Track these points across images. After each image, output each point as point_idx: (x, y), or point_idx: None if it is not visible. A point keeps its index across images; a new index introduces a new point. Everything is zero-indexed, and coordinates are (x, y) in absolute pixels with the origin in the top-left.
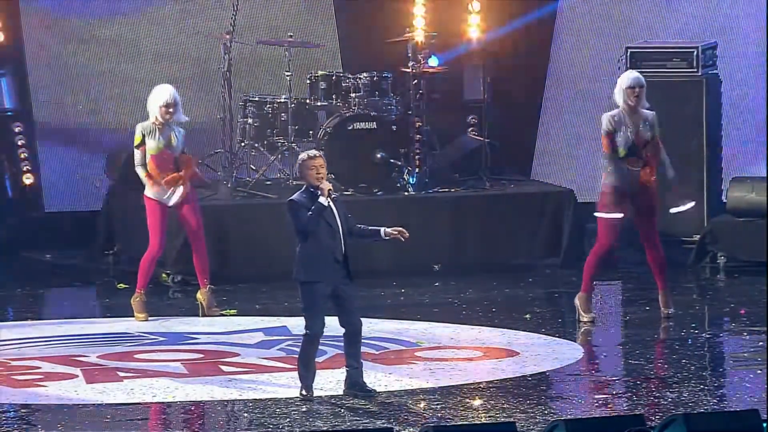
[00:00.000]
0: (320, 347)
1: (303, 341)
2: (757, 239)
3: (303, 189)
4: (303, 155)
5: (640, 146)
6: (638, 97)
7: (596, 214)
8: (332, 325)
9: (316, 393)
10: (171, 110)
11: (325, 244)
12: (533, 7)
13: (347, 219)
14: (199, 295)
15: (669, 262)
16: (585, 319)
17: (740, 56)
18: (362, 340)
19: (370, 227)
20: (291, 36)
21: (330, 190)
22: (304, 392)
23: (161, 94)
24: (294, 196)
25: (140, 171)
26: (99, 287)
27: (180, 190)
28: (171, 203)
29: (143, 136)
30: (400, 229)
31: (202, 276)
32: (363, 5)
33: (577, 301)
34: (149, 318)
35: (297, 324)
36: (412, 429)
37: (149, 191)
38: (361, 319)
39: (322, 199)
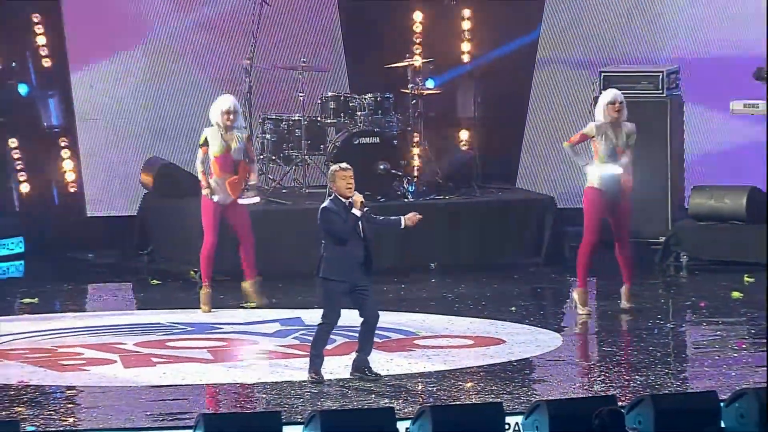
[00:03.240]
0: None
1: (319, 329)
2: (716, 241)
3: (333, 197)
4: (335, 167)
5: (620, 155)
6: (619, 111)
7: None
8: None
9: (326, 377)
10: (231, 117)
11: (349, 248)
12: (518, 34)
13: (369, 218)
14: (246, 285)
15: (638, 261)
16: (581, 312)
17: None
18: None
19: (391, 218)
20: (304, 61)
21: (362, 202)
22: (313, 374)
23: (223, 102)
24: (327, 204)
25: (198, 167)
26: (134, 283)
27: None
28: (227, 201)
29: (206, 138)
30: (414, 213)
31: (251, 268)
32: (368, 35)
33: (575, 295)
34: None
35: (310, 316)
36: (411, 408)
37: (208, 192)
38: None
39: (355, 211)
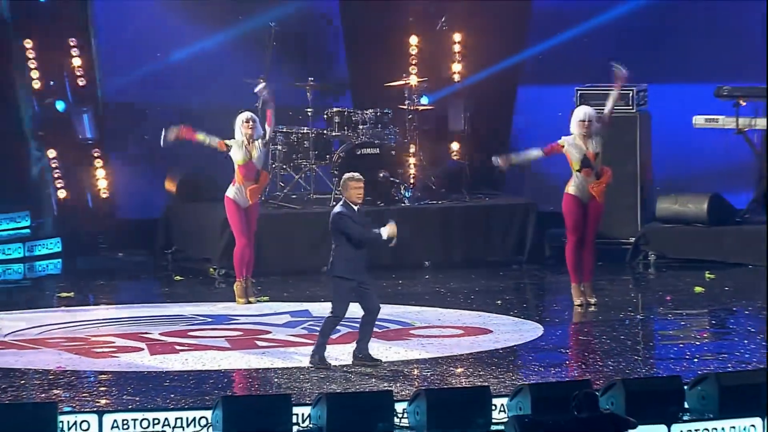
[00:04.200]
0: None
1: (327, 320)
2: (681, 241)
3: (343, 203)
4: (348, 175)
5: (591, 159)
6: (588, 127)
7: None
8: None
9: (332, 363)
10: (251, 124)
11: (358, 250)
12: (503, 57)
13: (367, 225)
14: (239, 283)
15: (611, 260)
16: (577, 303)
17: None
18: None
19: (374, 230)
20: (312, 80)
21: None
22: (317, 360)
23: (244, 114)
24: (340, 210)
25: (206, 138)
26: (159, 279)
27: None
28: (245, 205)
29: (229, 144)
30: (391, 224)
31: (243, 270)
32: (369, 56)
33: (571, 291)
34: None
35: (317, 308)
36: (407, 391)
37: (231, 193)
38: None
39: (384, 233)
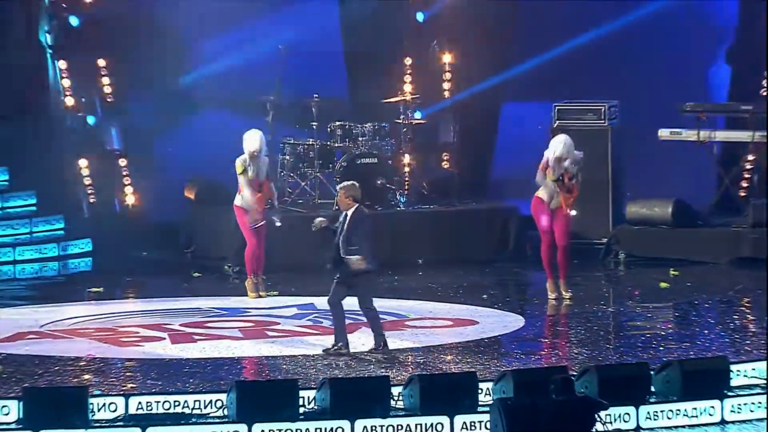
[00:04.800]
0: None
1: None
2: (648, 241)
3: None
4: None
5: (566, 179)
6: (563, 163)
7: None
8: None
9: (332, 351)
10: (259, 147)
11: None
12: (489, 75)
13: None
14: (250, 279)
15: (585, 258)
16: (551, 297)
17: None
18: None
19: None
20: (317, 96)
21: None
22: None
23: (253, 137)
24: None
25: (246, 192)
26: (180, 275)
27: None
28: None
29: (245, 167)
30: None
31: (254, 268)
32: (368, 75)
33: (547, 285)
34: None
35: (321, 302)
36: (402, 376)
37: (239, 201)
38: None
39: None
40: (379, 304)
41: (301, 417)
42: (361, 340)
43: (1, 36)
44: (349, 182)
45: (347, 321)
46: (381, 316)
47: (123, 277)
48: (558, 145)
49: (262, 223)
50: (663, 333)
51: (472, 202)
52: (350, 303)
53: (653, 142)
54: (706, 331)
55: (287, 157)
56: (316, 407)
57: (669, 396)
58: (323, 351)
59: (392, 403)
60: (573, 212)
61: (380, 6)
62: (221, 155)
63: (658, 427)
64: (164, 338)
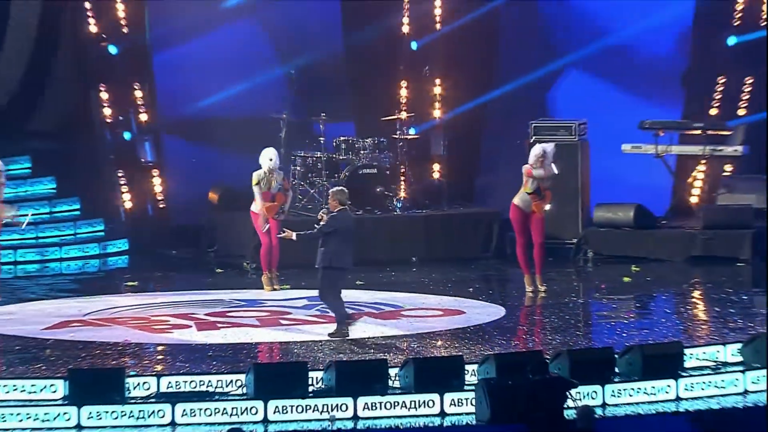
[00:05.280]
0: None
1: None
2: (613, 242)
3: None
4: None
5: (542, 189)
6: (542, 162)
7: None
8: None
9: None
10: (273, 165)
11: None
12: (474, 97)
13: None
14: (266, 274)
15: (558, 257)
16: (528, 290)
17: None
18: (369, 305)
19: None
20: (324, 114)
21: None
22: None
23: (268, 153)
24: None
25: (258, 201)
26: (204, 271)
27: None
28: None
29: (259, 180)
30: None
31: (269, 265)
32: (369, 96)
33: (524, 280)
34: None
35: None
36: (399, 359)
37: (254, 208)
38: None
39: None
40: (378, 296)
41: (310, 394)
42: (362, 328)
43: (51, 63)
44: (338, 188)
45: (348, 311)
46: (380, 307)
47: (155, 272)
48: (537, 148)
49: (267, 227)
50: (626, 321)
51: (460, 207)
52: (355, 295)
53: (617, 155)
54: (663, 320)
55: (298, 168)
56: (323, 386)
57: (631, 376)
58: (328, 335)
59: (390, 382)
60: (548, 207)
61: (379, 37)
62: (240, 166)
63: (621, 403)
64: (191, 326)
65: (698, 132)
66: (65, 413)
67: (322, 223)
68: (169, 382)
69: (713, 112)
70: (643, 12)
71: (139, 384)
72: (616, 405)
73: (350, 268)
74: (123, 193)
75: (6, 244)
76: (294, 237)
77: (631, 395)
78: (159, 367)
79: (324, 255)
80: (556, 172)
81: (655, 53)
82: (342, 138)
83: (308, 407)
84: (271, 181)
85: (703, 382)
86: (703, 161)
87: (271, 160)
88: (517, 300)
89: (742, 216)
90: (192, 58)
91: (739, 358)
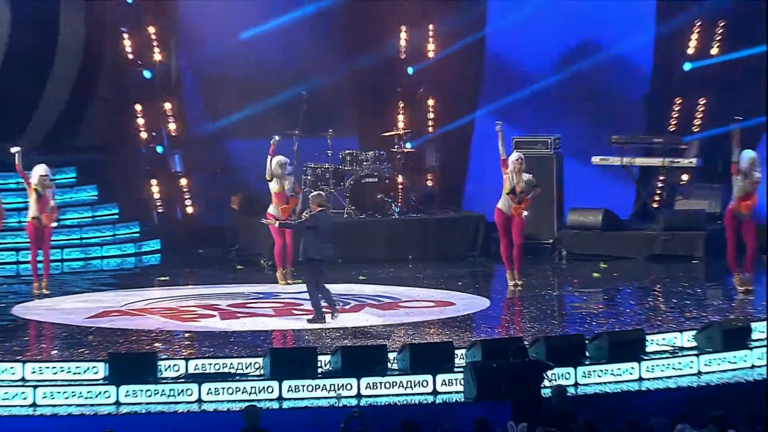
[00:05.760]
0: (345, 299)
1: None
2: (583, 241)
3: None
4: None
5: (518, 192)
6: (520, 165)
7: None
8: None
9: (345, 326)
10: (285, 168)
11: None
12: (462, 115)
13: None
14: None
15: (536, 255)
16: (510, 284)
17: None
18: (371, 297)
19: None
20: (331, 131)
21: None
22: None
23: (280, 159)
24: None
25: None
26: (227, 268)
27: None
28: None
29: (273, 179)
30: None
31: (288, 261)
32: (371, 115)
33: (506, 275)
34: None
35: (334, 288)
36: (397, 345)
37: (272, 210)
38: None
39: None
40: (378, 289)
41: (319, 375)
42: (365, 317)
43: (93, 85)
44: (316, 192)
45: (351, 303)
46: (381, 299)
47: (183, 269)
48: (515, 153)
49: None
50: (595, 311)
51: (450, 211)
52: (358, 288)
53: (587, 166)
54: (627, 310)
55: (308, 177)
56: (330, 368)
57: (599, 359)
58: (307, 321)
59: (389, 365)
60: (525, 213)
61: (380, 63)
62: (259, 175)
63: (591, 383)
64: (215, 315)
65: (658, 146)
66: (105, 392)
67: (304, 219)
68: (196, 365)
69: (671, 129)
70: (610, 42)
71: (169, 366)
72: (586, 384)
73: (329, 260)
74: (156, 199)
75: (54, 244)
76: (277, 224)
77: (599, 376)
78: (187, 352)
79: (304, 248)
80: (526, 178)
81: (621, 78)
82: (347, 151)
83: (318, 387)
84: (284, 183)
85: (663, 365)
86: (663, 172)
87: (283, 165)
88: (500, 293)
89: (696, 219)
90: (215, 81)
91: (694, 344)
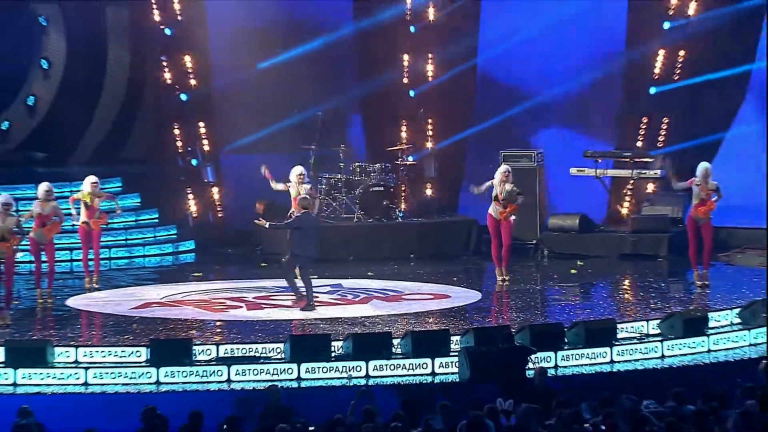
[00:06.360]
0: (355, 292)
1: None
2: (563, 242)
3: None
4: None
5: (501, 199)
6: (506, 177)
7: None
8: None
9: (354, 316)
10: (302, 177)
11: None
12: (457, 132)
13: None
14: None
15: (521, 253)
16: (499, 280)
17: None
18: (378, 290)
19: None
20: (344, 146)
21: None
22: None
23: (297, 169)
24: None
25: (276, 186)
26: (252, 265)
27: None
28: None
29: (289, 189)
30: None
31: None
32: (378, 132)
33: (495, 272)
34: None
35: (346, 282)
36: (400, 332)
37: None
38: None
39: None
40: (383, 284)
41: (333, 359)
42: (373, 308)
43: (137, 106)
44: (302, 196)
45: (361, 295)
46: (386, 292)
47: (214, 266)
48: (503, 166)
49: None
50: (572, 303)
51: (447, 216)
52: (366, 283)
53: (566, 177)
54: (601, 302)
55: (323, 187)
56: (342, 352)
57: (577, 345)
58: (300, 310)
59: (393, 349)
60: (513, 217)
61: (385, 86)
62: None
63: (569, 365)
64: (242, 306)
65: (627, 159)
66: (147, 372)
67: (290, 220)
68: (226, 349)
69: (639, 144)
70: (586, 68)
71: (203, 350)
72: (565, 366)
73: (312, 256)
74: (191, 205)
75: (103, 245)
76: (267, 226)
77: (577, 359)
78: (217, 338)
79: (291, 245)
80: (509, 188)
81: (596, 100)
82: (357, 163)
83: (331, 368)
84: (301, 190)
85: (631, 349)
86: (631, 182)
87: (300, 174)
88: (490, 287)
89: (660, 223)
90: (244, 102)
91: (658, 331)
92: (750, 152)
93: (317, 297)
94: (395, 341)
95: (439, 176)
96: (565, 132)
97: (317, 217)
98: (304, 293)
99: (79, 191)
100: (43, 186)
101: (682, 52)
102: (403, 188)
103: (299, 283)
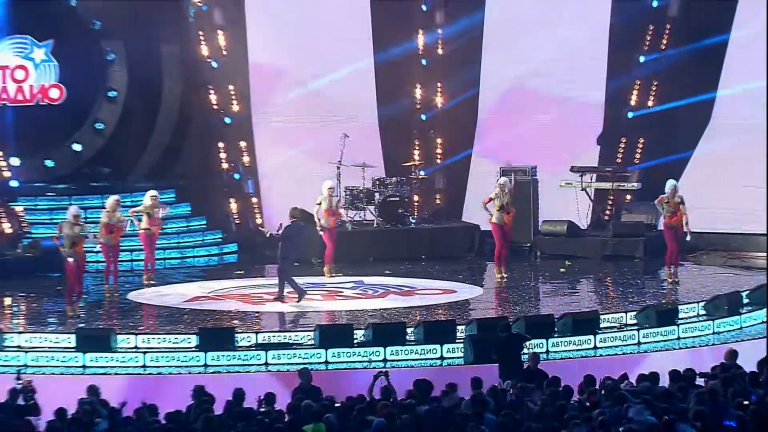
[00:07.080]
0: (375, 287)
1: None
2: (553, 244)
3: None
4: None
5: (506, 207)
6: (507, 192)
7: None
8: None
9: (370, 309)
10: (332, 191)
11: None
12: (462, 150)
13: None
14: (326, 268)
15: (517, 255)
16: (497, 277)
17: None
18: (395, 286)
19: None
20: (365, 162)
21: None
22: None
23: (328, 183)
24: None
25: (315, 210)
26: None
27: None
28: (329, 227)
29: (321, 200)
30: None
31: (330, 260)
32: (394, 150)
33: (494, 270)
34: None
35: (367, 279)
36: (413, 322)
37: (323, 223)
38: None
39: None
40: (398, 281)
41: (355, 345)
42: (389, 302)
43: (187, 128)
44: (292, 207)
45: (380, 290)
46: (402, 288)
47: (254, 265)
48: (502, 179)
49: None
50: (562, 298)
51: (453, 222)
52: (384, 280)
53: (555, 188)
54: (586, 296)
55: (347, 197)
56: (364, 339)
57: (565, 333)
58: (296, 302)
59: (407, 337)
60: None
61: (401, 110)
62: (311, 194)
63: (559, 351)
64: (263, 301)
65: (609, 174)
66: (197, 357)
67: (280, 231)
68: (264, 337)
69: (618, 161)
70: (573, 95)
71: (243, 338)
72: (555, 352)
73: (295, 257)
74: (233, 213)
75: (158, 247)
76: (267, 235)
77: (565, 345)
78: (256, 327)
79: (281, 250)
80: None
81: (581, 122)
82: (376, 177)
83: (354, 353)
84: (331, 201)
85: (612, 337)
86: (612, 193)
87: (331, 188)
88: (491, 283)
89: (637, 229)
90: (279, 124)
91: (635, 321)
92: (714, 167)
93: (341, 292)
94: (409, 330)
95: (447, 188)
96: (555, 150)
97: (304, 225)
98: (303, 289)
99: (139, 204)
100: (112, 199)
101: (655, 82)
102: (416, 198)
103: (298, 280)
